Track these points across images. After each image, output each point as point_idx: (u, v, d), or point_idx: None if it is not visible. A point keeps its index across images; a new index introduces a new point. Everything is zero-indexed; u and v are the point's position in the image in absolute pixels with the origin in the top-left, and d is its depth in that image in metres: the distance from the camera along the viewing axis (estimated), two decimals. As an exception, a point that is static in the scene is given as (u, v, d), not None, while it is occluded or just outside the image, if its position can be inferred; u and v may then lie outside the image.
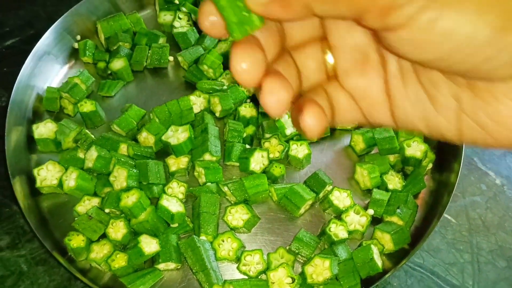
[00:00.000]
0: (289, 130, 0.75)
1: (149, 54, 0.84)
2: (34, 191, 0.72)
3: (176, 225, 0.68)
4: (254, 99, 0.81)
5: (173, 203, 0.68)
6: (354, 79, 0.32)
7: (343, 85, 0.33)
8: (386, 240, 0.68)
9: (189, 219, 0.69)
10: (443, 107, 0.29)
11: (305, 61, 0.33)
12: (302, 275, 0.64)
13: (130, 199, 0.66)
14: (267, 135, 0.75)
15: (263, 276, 0.65)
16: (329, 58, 0.32)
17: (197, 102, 0.79)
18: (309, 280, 0.63)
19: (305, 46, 0.33)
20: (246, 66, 0.27)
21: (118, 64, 0.83)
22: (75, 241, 0.67)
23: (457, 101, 0.28)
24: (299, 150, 0.74)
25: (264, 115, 0.78)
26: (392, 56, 0.30)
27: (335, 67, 0.33)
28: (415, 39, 0.25)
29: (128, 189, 0.68)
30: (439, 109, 0.29)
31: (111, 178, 0.69)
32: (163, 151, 0.75)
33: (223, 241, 0.67)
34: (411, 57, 0.27)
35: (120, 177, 0.69)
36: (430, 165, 0.75)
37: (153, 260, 0.66)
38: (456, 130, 0.29)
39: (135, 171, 0.69)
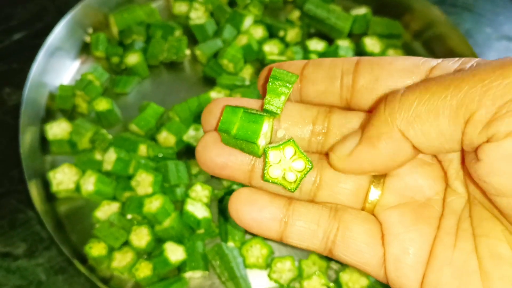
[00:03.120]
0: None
1: (165, 48, 0.80)
2: (49, 196, 0.68)
3: (202, 231, 0.65)
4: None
5: (198, 208, 0.64)
6: (400, 216, 0.27)
7: (378, 216, 0.28)
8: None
9: (214, 225, 0.66)
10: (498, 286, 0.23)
11: (344, 178, 0.29)
12: (337, 283, 0.61)
13: (153, 204, 0.63)
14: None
15: (295, 284, 0.62)
16: (373, 194, 0.28)
17: (218, 98, 0.75)
18: (344, 288, 0.60)
19: None
20: None
21: (133, 58, 0.79)
22: (96, 248, 0.63)
23: None
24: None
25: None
26: (454, 211, 0.26)
27: (378, 201, 0.28)
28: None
29: (151, 193, 0.64)
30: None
31: (133, 183, 0.65)
32: (185, 152, 0.71)
33: (252, 247, 0.64)
34: (496, 183, 0.22)
35: (144, 182, 0.65)
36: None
37: (179, 267, 0.63)
38: None
39: (160, 176, 0.66)
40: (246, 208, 0.28)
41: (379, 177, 0.29)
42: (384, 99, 0.25)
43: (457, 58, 0.26)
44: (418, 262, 0.26)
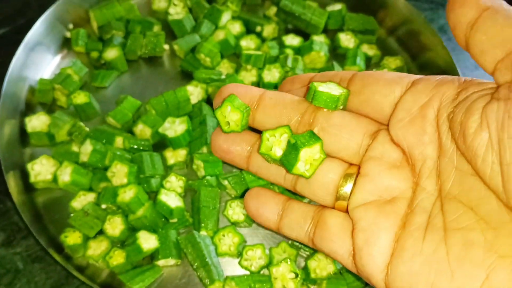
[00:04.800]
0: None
1: (143, 43, 0.82)
2: (28, 187, 0.70)
3: (175, 220, 0.66)
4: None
5: (172, 198, 0.66)
6: (365, 212, 0.31)
7: (350, 213, 0.32)
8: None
9: (188, 214, 0.67)
10: (467, 274, 0.25)
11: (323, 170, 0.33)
12: (305, 269, 0.63)
13: (127, 194, 0.65)
14: (267, 126, 0.73)
15: (265, 271, 0.64)
16: (347, 187, 0.32)
17: (194, 92, 0.77)
18: (312, 275, 0.62)
19: (332, 158, 0.34)
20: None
21: (111, 53, 0.80)
22: (72, 237, 0.65)
23: (488, 271, 0.25)
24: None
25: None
26: (424, 209, 0.29)
27: (350, 199, 0.32)
28: None
29: (125, 184, 0.66)
30: (458, 277, 0.26)
31: (109, 174, 0.67)
32: (161, 144, 0.73)
33: (224, 236, 0.65)
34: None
35: (119, 173, 0.67)
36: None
37: (152, 256, 0.65)
38: None
39: (135, 167, 0.67)
40: (253, 202, 0.35)
41: (351, 175, 0.33)
42: None
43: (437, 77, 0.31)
44: (378, 253, 0.29)
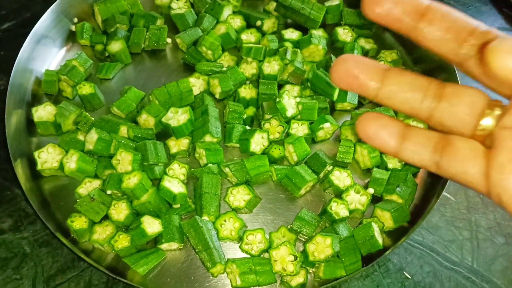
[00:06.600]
0: (290, 111, 0.75)
1: (147, 36, 0.84)
2: (35, 174, 0.72)
3: (178, 206, 0.68)
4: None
5: (174, 184, 0.68)
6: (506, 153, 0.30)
7: (495, 133, 0.30)
8: (386, 218, 0.68)
9: (191, 200, 0.70)
10: None
11: (459, 100, 0.31)
12: (304, 253, 0.65)
13: (131, 180, 0.67)
14: (267, 116, 0.75)
15: (266, 255, 0.66)
16: (486, 121, 0.30)
17: (196, 84, 0.79)
18: (310, 258, 0.64)
19: (465, 91, 0.31)
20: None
21: (116, 46, 0.82)
22: (78, 222, 0.67)
23: None
24: (299, 129, 0.74)
25: (264, 95, 0.78)
26: None
27: (491, 130, 0.31)
28: None
29: (129, 171, 0.68)
30: None
31: (114, 161, 0.69)
32: (164, 133, 0.75)
33: (225, 221, 0.68)
34: None
35: (124, 161, 0.69)
36: (429, 144, 0.76)
37: (156, 240, 0.67)
38: None
39: (139, 155, 0.69)
40: (370, 125, 0.32)
41: (495, 105, 0.31)
42: None
43: None
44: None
